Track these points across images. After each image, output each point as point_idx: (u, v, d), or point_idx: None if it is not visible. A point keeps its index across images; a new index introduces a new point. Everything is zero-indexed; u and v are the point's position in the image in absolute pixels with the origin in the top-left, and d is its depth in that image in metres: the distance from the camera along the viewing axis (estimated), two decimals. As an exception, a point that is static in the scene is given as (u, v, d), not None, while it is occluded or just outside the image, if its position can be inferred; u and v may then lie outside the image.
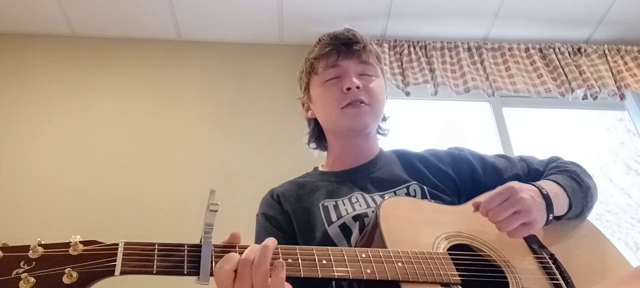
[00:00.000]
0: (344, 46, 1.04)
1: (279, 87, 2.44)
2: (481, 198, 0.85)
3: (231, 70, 2.50)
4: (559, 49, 2.56)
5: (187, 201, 2.01)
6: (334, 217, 0.93)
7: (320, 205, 0.96)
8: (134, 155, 2.18)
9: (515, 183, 0.84)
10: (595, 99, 2.41)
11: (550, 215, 0.86)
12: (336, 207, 0.95)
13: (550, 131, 2.63)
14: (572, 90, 2.40)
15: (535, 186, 0.88)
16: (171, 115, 2.32)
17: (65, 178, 2.08)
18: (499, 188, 0.83)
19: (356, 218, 0.91)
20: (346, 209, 0.94)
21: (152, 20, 2.45)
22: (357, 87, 1.00)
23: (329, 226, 0.92)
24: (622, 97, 2.43)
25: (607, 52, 2.56)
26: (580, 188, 0.95)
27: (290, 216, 0.98)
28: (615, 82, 2.45)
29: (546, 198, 0.86)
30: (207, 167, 2.16)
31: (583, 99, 2.41)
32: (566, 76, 2.45)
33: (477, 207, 0.84)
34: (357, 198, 0.97)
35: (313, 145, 1.17)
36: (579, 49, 2.58)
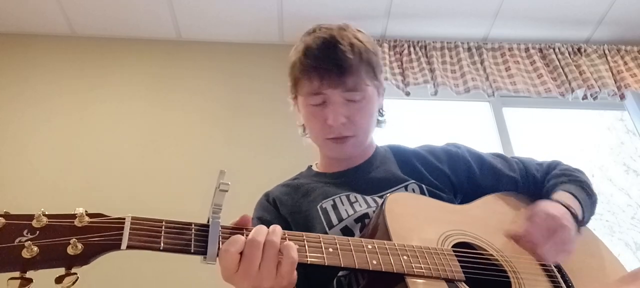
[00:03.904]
0: (326, 72, 0.92)
1: (279, 87, 2.41)
2: (518, 227, 0.84)
3: (231, 70, 2.50)
4: (559, 49, 2.56)
5: (186, 201, 2.01)
6: (334, 219, 0.91)
7: (318, 207, 0.95)
8: (133, 155, 2.18)
9: (556, 211, 0.84)
10: (595, 99, 2.41)
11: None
12: (335, 207, 0.93)
13: (550, 131, 2.63)
14: (572, 90, 2.40)
15: (566, 207, 0.88)
16: (171, 115, 2.32)
17: (65, 178, 2.08)
18: (544, 222, 0.82)
19: (358, 220, 0.90)
20: (346, 210, 0.92)
21: (152, 20, 2.45)
22: (342, 123, 0.94)
23: (329, 229, 0.90)
24: (622, 97, 2.43)
25: (607, 52, 2.57)
26: (590, 199, 0.97)
27: (287, 220, 0.96)
28: (615, 82, 2.45)
29: (577, 220, 0.87)
30: (206, 166, 2.16)
31: (583, 99, 2.41)
32: (566, 76, 2.45)
33: (514, 238, 0.83)
34: (356, 197, 0.95)
35: (307, 134, 1.11)
36: (579, 49, 2.58)
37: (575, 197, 0.93)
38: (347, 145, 0.98)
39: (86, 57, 2.46)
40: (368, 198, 0.95)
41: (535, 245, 0.81)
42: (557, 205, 0.88)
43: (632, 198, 2.52)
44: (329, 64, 0.92)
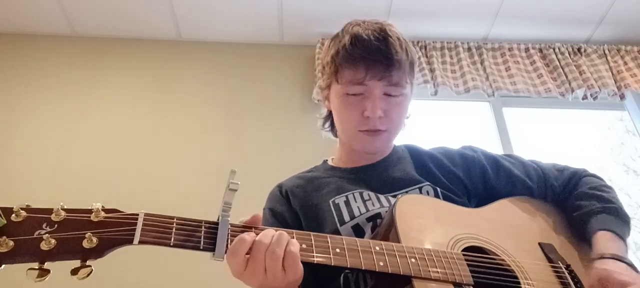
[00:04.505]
0: (374, 63, 0.92)
1: (279, 87, 2.44)
2: None
3: (231, 70, 2.50)
4: (559, 49, 2.56)
5: (186, 200, 2.02)
6: (346, 216, 0.91)
7: (330, 202, 0.94)
8: (133, 154, 2.18)
9: (623, 276, 0.78)
10: (595, 99, 2.41)
11: None
12: (348, 203, 0.93)
13: (550, 131, 2.63)
14: (572, 90, 2.40)
15: (621, 260, 0.83)
16: (171, 115, 2.32)
17: (65, 179, 2.08)
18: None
19: (370, 219, 0.89)
20: (359, 208, 0.91)
21: (152, 20, 2.45)
22: (379, 116, 0.94)
23: (341, 226, 0.90)
24: (622, 97, 2.43)
25: (607, 52, 2.57)
26: (627, 228, 0.92)
27: (298, 213, 0.96)
28: (615, 82, 2.45)
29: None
30: (206, 166, 2.16)
31: (583, 99, 2.41)
32: (566, 76, 2.45)
33: None
34: (369, 195, 0.94)
35: (327, 128, 1.12)
36: (579, 49, 2.58)
37: (619, 236, 0.88)
38: (378, 139, 0.98)
39: (86, 57, 2.46)
40: (381, 197, 0.95)
41: None
42: (618, 265, 0.82)
43: (632, 198, 2.52)
44: (379, 55, 0.92)
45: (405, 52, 0.95)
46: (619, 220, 0.92)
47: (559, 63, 2.50)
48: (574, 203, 0.98)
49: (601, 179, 1.03)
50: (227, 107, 2.37)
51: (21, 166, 2.10)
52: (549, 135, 2.61)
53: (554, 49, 2.56)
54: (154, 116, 2.31)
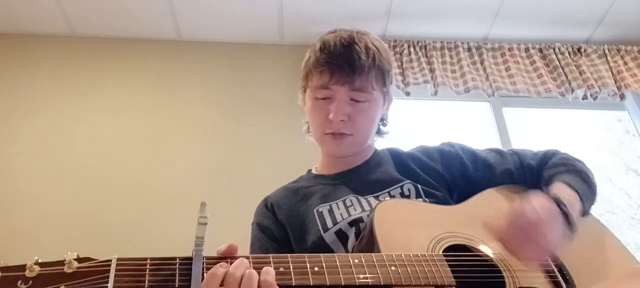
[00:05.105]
0: (337, 68, 0.96)
1: (279, 88, 2.44)
2: (497, 231, 0.83)
3: (231, 71, 2.50)
4: (559, 49, 2.56)
5: (185, 201, 2.01)
6: (329, 223, 0.93)
7: (315, 211, 0.96)
8: (133, 155, 2.18)
9: (535, 207, 0.81)
10: (595, 99, 2.41)
11: (568, 231, 0.85)
12: (331, 211, 0.95)
13: (550, 131, 2.63)
14: (572, 90, 2.40)
15: (554, 199, 0.86)
16: (170, 115, 2.32)
17: (64, 178, 2.08)
18: (519, 224, 0.81)
19: (352, 223, 0.91)
20: (341, 214, 0.94)
21: (152, 20, 2.44)
22: (342, 120, 0.97)
23: (324, 232, 0.92)
24: (622, 97, 2.43)
25: (607, 52, 2.57)
26: (589, 188, 0.95)
27: (284, 225, 0.98)
28: (615, 82, 2.45)
29: (565, 214, 0.84)
30: (206, 166, 2.16)
31: (583, 99, 2.41)
32: (566, 76, 2.45)
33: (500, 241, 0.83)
34: (351, 201, 0.96)
35: (310, 133, 1.13)
36: (579, 49, 2.58)
37: (571, 187, 0.91)
38: (343, 143, 1.00)
39: (86, 57, 2.46)
40: (363, 200, 0.96)
41: (516, 251, 0.81)
42: (541, 200, 0.85)
43: (632, 198, 2.52)
44: (342, 61, 0.96)
45: (373, 59, 0.98)
46: (578, 178, 0.94)
47: (559, 63, 2.50)
48: (545, 175, 1.00)
49: (579, 160, 1.04)
50: (226, 107, 2.37)
51: (21, 166, 2.10)
52: (549, 135, 2.61)
53: (554, 49, 2.56)
54: (154, 116, 2.31)
